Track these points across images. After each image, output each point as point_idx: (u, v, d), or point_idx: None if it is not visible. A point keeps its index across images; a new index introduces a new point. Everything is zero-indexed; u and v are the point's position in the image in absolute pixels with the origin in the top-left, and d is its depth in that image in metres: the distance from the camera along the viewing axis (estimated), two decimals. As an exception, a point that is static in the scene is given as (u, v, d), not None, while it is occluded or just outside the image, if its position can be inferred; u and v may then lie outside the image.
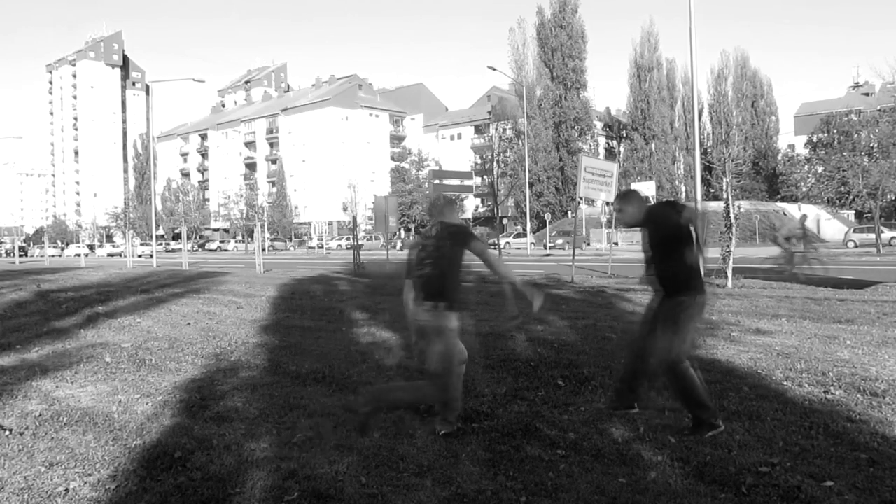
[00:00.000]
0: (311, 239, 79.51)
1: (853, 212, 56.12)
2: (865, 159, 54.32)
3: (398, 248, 63.41)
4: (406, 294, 4.58)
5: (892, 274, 16.70)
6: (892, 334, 7.68)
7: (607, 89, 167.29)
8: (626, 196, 4.71)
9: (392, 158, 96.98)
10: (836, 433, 4.25)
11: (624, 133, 78.24)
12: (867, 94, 74.16)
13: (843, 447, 4.00)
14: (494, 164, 56.07)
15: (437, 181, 21.56)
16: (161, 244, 71.50)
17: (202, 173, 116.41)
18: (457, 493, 3.46)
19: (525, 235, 53.11)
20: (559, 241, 51.07)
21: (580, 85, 68.68)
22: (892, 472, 3.61)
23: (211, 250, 76.37)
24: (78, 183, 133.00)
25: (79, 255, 49.86)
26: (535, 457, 3.96)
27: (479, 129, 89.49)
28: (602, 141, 79.33)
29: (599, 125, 77.56)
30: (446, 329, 4.35)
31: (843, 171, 53.65)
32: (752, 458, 3.83)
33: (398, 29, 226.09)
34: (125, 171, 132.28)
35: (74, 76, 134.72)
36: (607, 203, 21.35)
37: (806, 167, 63.40)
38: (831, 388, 5.32)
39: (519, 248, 48.84)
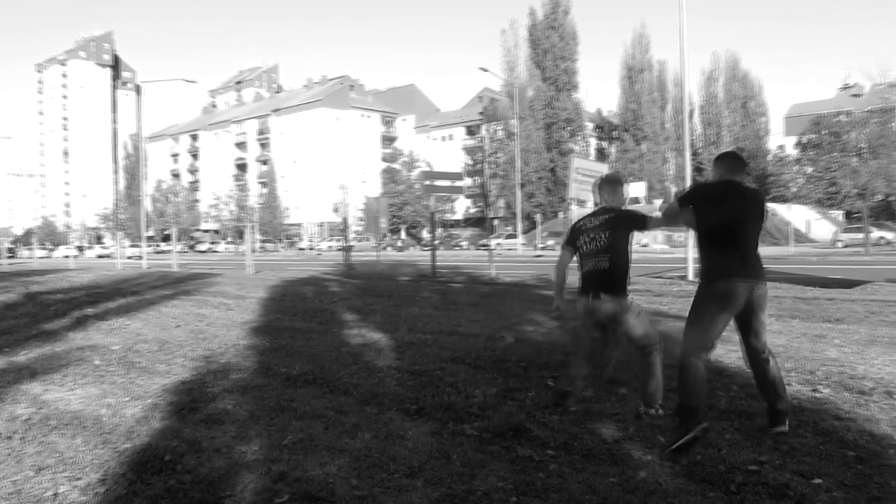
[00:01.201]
0: (301, 240, 79.44)
1: (842, 212, 56.44)
2: (855, 160, 54.75)
3: (397, 247, 63.45)
4: (563, 263, 4.98)
5: (880, 273, 16.80)
6: (879, 333, 7.74)
7: (598, 90, 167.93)
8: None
9: (383, 159, 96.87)
10: (825, 431, 4.27)
11: (615, 134, 78.41)
12: (857, 96, 74.55)
13: (832, 445, 4.03)
14: (485, 165, 56.22)
15: (428, 182, 21.55)
16: (151, 245, 71.16)
17: (193, 174, 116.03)
18: (448, 494, 3.46)
19: (516, 236, 53.20)
20: (550, 242, 51.13)
21: (571, 86, 68.78)
22: (879, 470, 3.64)
23: (201, 251, 76.12)
24: (67, 184, 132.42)
25: (68, 257, 49.59)
26: (525, 457, 3.96)
27: (470, 131, 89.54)
28: (593, 142, 79.50)
29: (590, 126, 77.70)
30: (625, 307, 4.67)
31: (833, 171, 54.04)
32: (741, 457, 3.85)
33: (390, 30, 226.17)
34: (115, 171, 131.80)
35: (65, 76, 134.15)
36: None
37: (796, 168, 63.73)
38: (819, 386, 5.35)
39: (509, 249, 48.89)
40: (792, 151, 68.05)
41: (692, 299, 4.38)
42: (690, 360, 4.13)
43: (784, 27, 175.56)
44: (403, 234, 77.25)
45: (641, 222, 4.80)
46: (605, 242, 4.67)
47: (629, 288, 4.82)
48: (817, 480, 3.49)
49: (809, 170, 59.82)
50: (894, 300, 10.75)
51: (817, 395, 5.13)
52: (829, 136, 60.30)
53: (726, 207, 4.21)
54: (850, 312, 9.46)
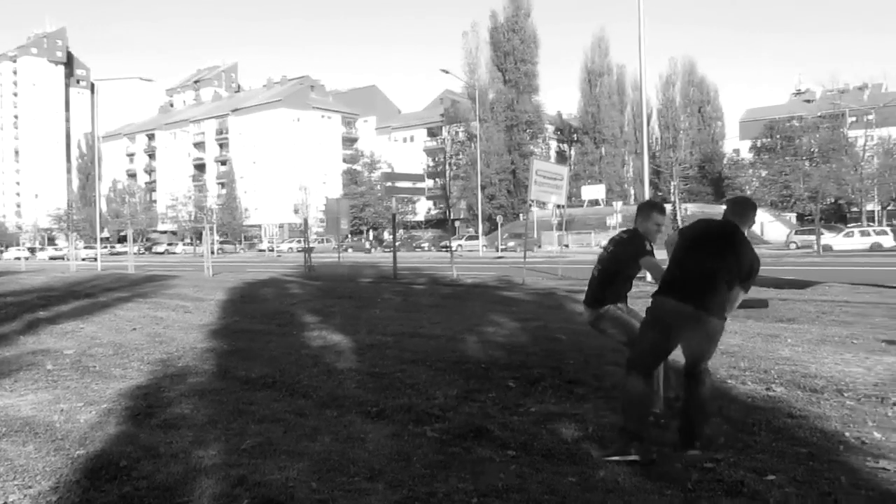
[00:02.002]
0: (261, 241, 78.51)
1: (795, 214, 57.87)
2: (806, 164, 56.25)
3: (364, 249, 63.09)
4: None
5: (831, 274, 17.28)
6: (830, 332, 7.95)
7: (559, 94, 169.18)
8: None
9: (344, 161, 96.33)
10: (778, 429, 4.38)
11: (575, 137, 79.35)
12: (809, 101, 76.58)
13: (784, 442, 4.12)
14: (447, 166, 56.37)
15: (389, 184, 21.51)
16: (106, 247, 69.69)
17: (149, 174, 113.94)
18: (408, 497, 3.46)
19: (477, 238, 53.39)
20: (511, 244, 51.46)
21: (532, 89, 69.40)
22: (830, 466, 3.73)
23: (158, 253, 74.73)
24: (18, 184, 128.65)
25: (19, 259, 48.26)
26: (486, 458, 3.98)
27: (431, 132, 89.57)
28: (553, 144, 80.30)
29: (551, 129, 78.53)
30: (599, 317, 4.81)
31: (786, 175, 55.44)
32: (697, 455, 3.91)
33: (351, 30, 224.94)
34: (69, 171, 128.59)
35: (15, 73, 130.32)
36: (558, 206, 21.56)
37: (750, 171, 65.23)
38: (773, 385, 5.48)
39: (471, 251, 49.06)
40: (747, 155, 69.64)
41: None
42: (627, 377, 4.11)
43: (739, 34, 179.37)
44: (371, 236, 76.97)
45: (637, 251, 4.68)
46: (603, 254, 4.89)
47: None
48: (771, 477, 3.57)
49: (764, 173, 61.27)
50: (845, 300, 11.08)
51: (771, 393, 5.25)
52: (783, 141, 61.91)
53: (691, 234, 4.23)
54: (802, 312, 9.72)
